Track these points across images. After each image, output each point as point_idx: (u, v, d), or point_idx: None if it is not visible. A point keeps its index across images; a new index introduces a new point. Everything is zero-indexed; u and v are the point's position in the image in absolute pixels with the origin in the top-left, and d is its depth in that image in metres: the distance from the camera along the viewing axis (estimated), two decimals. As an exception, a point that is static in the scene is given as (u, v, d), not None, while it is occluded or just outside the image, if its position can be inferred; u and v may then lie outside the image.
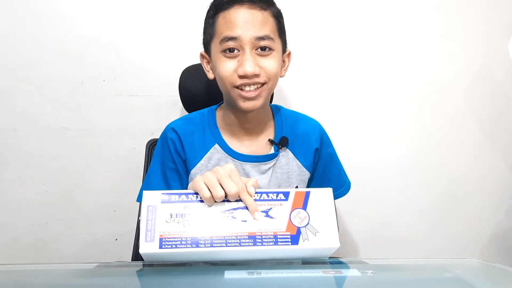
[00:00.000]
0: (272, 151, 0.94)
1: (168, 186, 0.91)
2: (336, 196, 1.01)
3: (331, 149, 1.01)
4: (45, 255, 1.33)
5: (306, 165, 0.96)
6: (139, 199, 0.92)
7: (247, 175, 0.92)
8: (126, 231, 1.32)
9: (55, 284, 0.65)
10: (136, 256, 1.07)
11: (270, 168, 0.93)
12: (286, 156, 0.95)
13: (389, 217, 1.44)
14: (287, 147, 0.95)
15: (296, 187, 0.96)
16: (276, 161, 0.94)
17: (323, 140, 0.99)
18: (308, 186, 1.00)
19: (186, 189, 0.83)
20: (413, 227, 1.45)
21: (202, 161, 0.92)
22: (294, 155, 0.95)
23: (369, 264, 0.77)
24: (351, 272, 0.66)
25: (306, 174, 0.97)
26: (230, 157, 0.92)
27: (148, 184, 0.93)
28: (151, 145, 1.14)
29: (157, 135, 0.99)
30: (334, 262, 0.70)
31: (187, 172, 0.93)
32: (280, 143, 0.93)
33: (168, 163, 0.92)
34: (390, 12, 1.36)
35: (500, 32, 1.39)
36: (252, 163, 0.92)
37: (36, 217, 1.32)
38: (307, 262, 0.68)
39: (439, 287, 0.65)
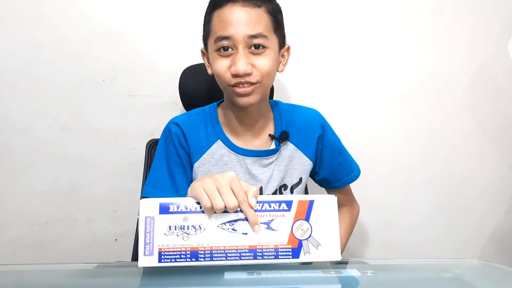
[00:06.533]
0: (273, 146, 0.95)
1: (173, 180, 0.92)
2: (349, 181, 1.04)
3: (335, 136, 1.02)
4: (45, 255, 1.33)
5: (309, 155, 0.97)
6: (144, 193, 0.92)
7: (249, 170, 0.93)
8: (126, 231, 1.32)
9: (55, 284, 0.65)
10: (136, 256, 1.07)
11: (272, 162, 0.94)
12: (288, 149, 0.96)
13: (389, 217, 1.44)
14: (288, 140, 0.95)
15: (300, 178, 0.97)
16: (278, 155, 0.95)
17: (325, 127, 1.00)
18: (315, 174, 1.02)
19: (191, 182, 0.83)
20: (413, 227, 1.45)
21: (205, 156, 0.93)
22: (296, 146, 0.96)
23: (369, 264, 0.77)
24: (351, 272, 0.66)
25: (309, 164, 0.98)
26: (233, 152, 0.93)
27: (153, 178, 0.93)
28: (151, 145, 1.14)
29: (157, 135, 0.99)
30: (334, 262, 0.70)
31: (191, 165, 0.93)
32: (280, 137, 0.94)
33: (173, 157, 0.93)
34: (391, 11, 1.36)
35: (500, 32, 1.39)
36: (254, 157, 0.93)
37: (36, 217, 1.32)
38: (307, 262, 0.68)
39: (439, 287, 0.65)
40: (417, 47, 1.38)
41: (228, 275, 0.61)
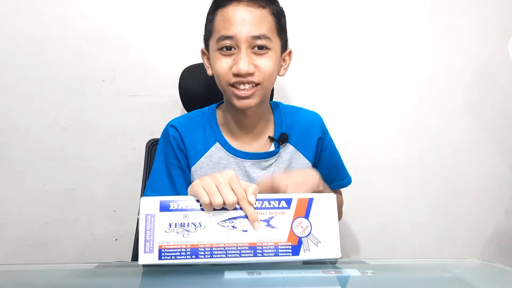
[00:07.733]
0: (272, 148, 0.95)
1: (173, 183, 0.92)
2: (341, 185, 1.04)
3: (332, 141, 1.02)
4: (45, 255, 1.33)
5: (308, 156, 0.97)
6: (146, 195, 0.92)
7: (247, 173, 0.92)
8: (126, 231, 1.32)
9: (55, 284, 0.65)
10: (136, 256, 1.07)
11: (271, 164, 0.94)
12: (288, 151, 0.95)
13: (389, 217, 1.44)
14: (287, 142, 0.95)
15: None
16: (277, 157, 0.94)
17: (325, 131, 1.00)
18: None
19: (190, 184, 0.83)
20: (413, 227, 1.45)
21: (202, 159, 0.92)
22: (296, 148, 0.96)
23: (369, 264, 0.77)
24: (351, 272, 0.66)
25: (309, 166, 0.97)
26: (231, 155, 0.92)
27: (153, 182, 0.93)
28: (151, 145, 1.14)
29: (157, 135, 0.99)
30: (334, 262, 0.70)
31: (190, 168, 0.93)
32: (280, 139, 0.93)
33: (172, 160, 0.92)
34: (391, 12, 1.36)
35: (500, 32, 1.40)
36: (253, 160, 0.92)
37: (36, 217, 1.32)
38: (307, 262, 0.68)
39: (439, 287, 0.65)
40: (417, 48, 1.38)
41: (228, 275, 0.61)
